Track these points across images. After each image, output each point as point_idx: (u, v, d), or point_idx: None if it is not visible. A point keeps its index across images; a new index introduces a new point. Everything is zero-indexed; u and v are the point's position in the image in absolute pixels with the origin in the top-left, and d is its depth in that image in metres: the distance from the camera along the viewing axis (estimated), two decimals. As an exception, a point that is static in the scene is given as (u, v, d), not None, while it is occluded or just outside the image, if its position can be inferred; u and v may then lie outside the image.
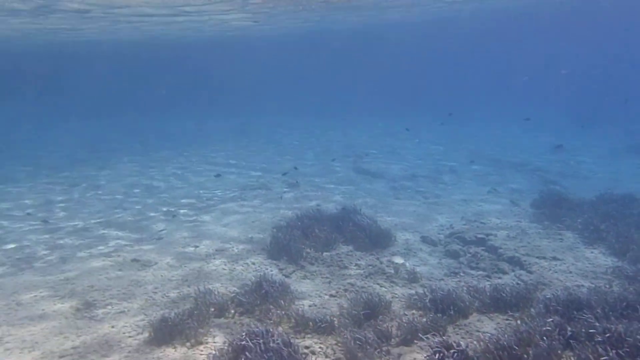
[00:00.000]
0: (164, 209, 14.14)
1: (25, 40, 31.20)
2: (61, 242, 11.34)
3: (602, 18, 46.95)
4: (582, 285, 8.24)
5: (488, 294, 7.75)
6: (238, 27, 30.54)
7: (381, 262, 9.87)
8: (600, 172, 19.72)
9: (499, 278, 9.14)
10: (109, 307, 7.81)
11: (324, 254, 10.31)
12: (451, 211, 13.47)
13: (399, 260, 9.94)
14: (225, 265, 9.55)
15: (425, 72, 78.80)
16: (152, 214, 13.66)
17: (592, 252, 9.58)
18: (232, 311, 7.69)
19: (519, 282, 8.72)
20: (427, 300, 7.68)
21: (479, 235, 10.87)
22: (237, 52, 58.21)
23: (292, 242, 10.18)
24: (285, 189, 16.39)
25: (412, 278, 9.09)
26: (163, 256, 10.07)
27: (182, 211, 13.91)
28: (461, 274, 9.44)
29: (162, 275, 9.03)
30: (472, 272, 9.49)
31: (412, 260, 10.24)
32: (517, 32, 55.27)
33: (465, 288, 8.19)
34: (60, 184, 17.79)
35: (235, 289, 8.50)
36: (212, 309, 7.64)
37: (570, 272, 8.81)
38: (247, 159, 22.84)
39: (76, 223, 12.93)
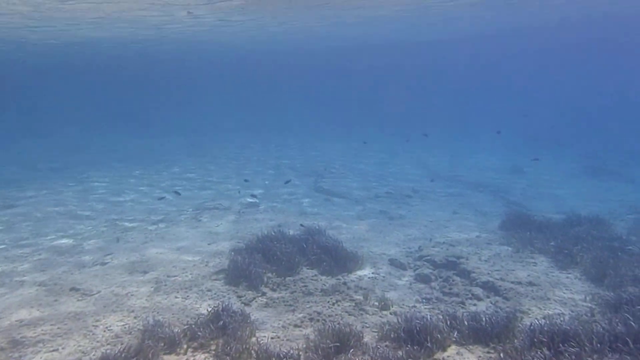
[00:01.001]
0: (112, 233, 12.98)
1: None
2: (-10, 266, 10.07)
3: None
4: (563, 314, 7.81)
5: (466, 323, 7.18)
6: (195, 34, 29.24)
7: (348, 288, 9.18)
8: (561, 193, 19.89)
9: (474, 305, 8.62)
10: (40, 344, 6.73)
11: (287, 278, 9.53)
12: (418, 232, 12.99)
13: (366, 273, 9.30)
14: (177, 293, 8.60)
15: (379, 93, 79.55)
16: (93, 238, 12.49)
17: (567, 277, 9.23)
18: (185, 346, 6.79)
19: (496, 309, 8.22)
20: (401, 331, 7.03)
21: (450, 259, 10.37)
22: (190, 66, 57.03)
23: (253, 266, 9.35)
24: (244, 209, 15.52)
25: (383, 305, 8.43)
26: (106, 284, 9.00)
27: (130, 234, 12.80)
28: (434, 300, 8.87)
29: (104, 306, 7.99)
30: (445, 298, 8.94)
31: (381, 284, 9.61)
32: (483, 56, 56.86)
33: (440, 316, 7.60)
34: (-5, 202, 16.26)
35: (189, 319, 7.60)
36: (162, 344, 6.72)
37: (549, 299, 8.38)
38: (202, 177, 21.80)
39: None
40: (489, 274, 9.41)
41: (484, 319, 7.15)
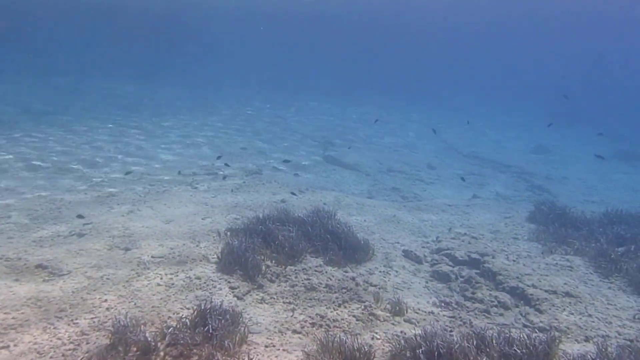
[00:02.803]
0: (93, 194, 11.79)
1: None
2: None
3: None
4: (608, 336, 6.64)
5: (496, 345, 6.02)
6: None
7: (357, 284, 8.02)
8: (589, 178, 18.52)
9: (500, 315, 7.48)
10: (-12, 340, 5.62)
11: (288, 268, 8.37)
12: (436, 218, 11.77)
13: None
14: (160, 279, 7.45)
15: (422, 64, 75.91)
16: (71, 199, 11.30)
17: (610, 288, 8.03)
18: (162, 354, 5.67)
19: (527, 323, 7.07)
20: (420, 352, 5.88)
21: (473, 255, 9.17)
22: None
23: (250, 252, 8.17)
24: (245, 178, 14.28)
25: (397, 310, 7.29)
26: (79, 262, 7.85)
27: (115, 199, 11.60)
28: (454, 305, 7.73)
29: (72, 292, 6.86)
30: (467, 303, 7.78)
31: (394, 281, 8.46)
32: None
33: (465, 334, 6.45)
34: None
35: (170, 315, 6.48)
36: (135, 349, 5.61)
37: (590, 316, 7.21)
38: (208, 137, 20.46)
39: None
40: (518, 278, 8.21)
41: (518, 342, 5.99)
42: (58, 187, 12.09)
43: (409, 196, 14.43)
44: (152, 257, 8.18)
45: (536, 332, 6.54)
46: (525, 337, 6.10)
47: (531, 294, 7.77)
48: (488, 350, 5.97)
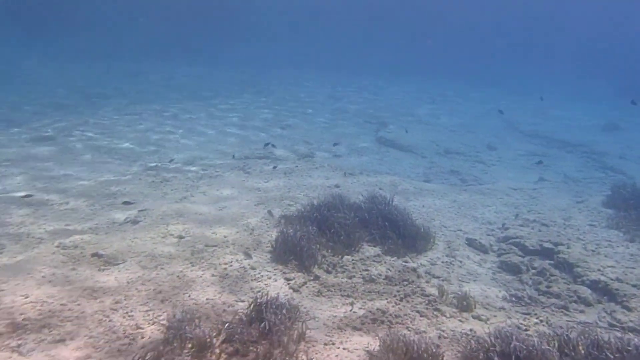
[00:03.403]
0: (148, 179, 11.76)
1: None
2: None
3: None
4: None
5: (582, 350, 5.38)
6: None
7: (419, 277, 7.51)
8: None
9: (582, 312, 6.78)
10: (45, 331, 5.54)
11: (345, 257, 7.97)
12: (500, 203, 11.00)
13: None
14: (214, 269, 7.22)
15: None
16: (125, 185, 11.30)
17: None
18: (218, 350, 5.41)
19: (615, 322, 6.35)
20: (495, 354, 5.34)
21: (545, 244, 8.43)
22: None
23: (305, 241, 7.81)
24: (298, 162, 13.93)
25: (464, 305, 6.74)
26: (134, 250, 7.74)
27: (170, 184, 11.53)
28: (526, 299, 7.08)
29: (127, 282, 6.73)
30: (542, 299, 7.12)
31: (458, 272, 7.89)
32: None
33: (545, 333, 5.83)
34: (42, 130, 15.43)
35: (225, 308, 6.22)
36: (190, 346, 5.37)
37: (688, 315, 6.40)
38: (262, 120, 20.26)
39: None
40: (599, 270, 7.43)
41: (607, 345, 5.33)
42: (113, 172, 12.16)
43: (468, 179, 13.65)
44: (205, 245, 7.97)
45: (628, 334, 5.84)
46: (617, 340, 5.42)
47: (616, 289, 7.00)
48: (573, 354, 5.34)
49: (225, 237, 8.29)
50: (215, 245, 7.96)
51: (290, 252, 7.68)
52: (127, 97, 23.31)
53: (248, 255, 7.69)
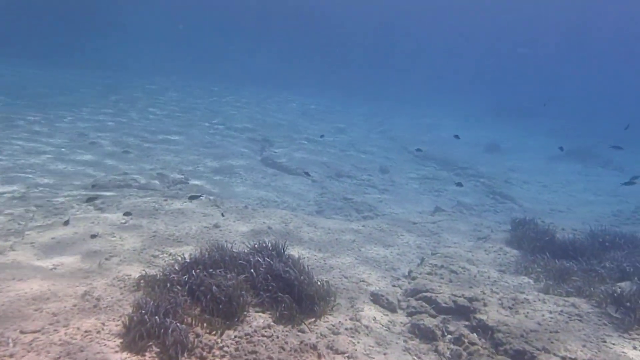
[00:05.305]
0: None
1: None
2: None
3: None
4: None
5: None
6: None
7: (320, 356, 5.93)
8: (549, 182, 17.46)
9: (512, 396, 5.66)
10: None
11: (226, 333, 6.12)
12: (401, 242, 9.89)
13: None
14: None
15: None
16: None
17: (635, 348, 6.42)
18: None
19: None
20: None
21: (459, 300, 7.33)
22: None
23: (171, 317, 5.84)
24: (165, 191, 11.71)
25: (377, 399, 5.28)
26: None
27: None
28: (448, 381, 5.83)
29: None
30: (466, 379, 5.91)
31: (365, 342, 6.47)
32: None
33: None
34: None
35: None
36: None
37: (626, 395, 5.54)
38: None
39: None
40: (522, 336, 6.43)
41: None
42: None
43: (363, 209, 12.52)
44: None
45: None
46: None
47: (544, 361, 6.01)
48: None
49: (54, 314, 5.99)
50: (37, 332, 5.65)
51: (150, 336, 5.65)
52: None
53: (83, 344, 5.51)
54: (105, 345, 5.56)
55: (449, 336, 6.75)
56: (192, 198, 10.22)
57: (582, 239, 9.54)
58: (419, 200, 13.53)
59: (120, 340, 5.67)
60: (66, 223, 9.06)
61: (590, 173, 19.28)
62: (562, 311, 7.09)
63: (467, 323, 6.98)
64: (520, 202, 14.01)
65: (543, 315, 6.94)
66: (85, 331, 5.73)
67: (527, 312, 6.97)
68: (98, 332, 5.78)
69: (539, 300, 7.38)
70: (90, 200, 10.17)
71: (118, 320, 6.00)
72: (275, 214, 10.65)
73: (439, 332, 6.79)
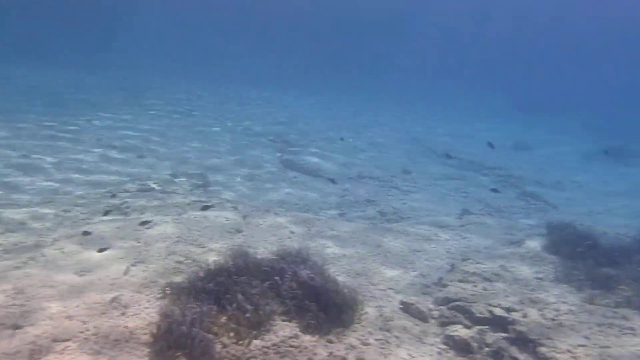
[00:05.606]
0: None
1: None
2: None
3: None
4: None
5: None
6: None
7: (352, 369, 5.73)
8: (584, 181, 16.76)
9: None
10: None
11: (253, 343, 5.95)
12: (430, 248, 9.61)
13: None
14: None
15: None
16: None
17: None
18: None
19: None
20: None
21: (496, 311, 7.04)
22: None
23: (197, 326, 5.70)
24: (190, 197, 11.63)
25: (413, 417, 5.05)
26: None
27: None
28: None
29: None
30: (505, 395, 5.63)
31: (396, 352, 6.23)
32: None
33: None
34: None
35: None
36: None
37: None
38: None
39: None
40: (569, 351, 6.12)
41: None
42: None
43: (387, 212, 12.28)
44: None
45: None
46: None
47: (593, 379, 5.71)
48: None
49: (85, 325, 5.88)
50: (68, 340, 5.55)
51: (177, 347, 5.52)
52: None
53: (113, 353, 5.40)
54: (134, 354, 5.46)
55: (487, 349, 6.47)
56: (205, 208, 10.10)
57: (629, 243, 9.09)
58: (444, 203, 13.22)
59: (149, 350, 5.56)
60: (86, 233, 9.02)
61: (628, 173, 18.56)
62: (611, 323, 6.74)
63: (505, 335, 6.68)
64: (553, 203, 13.56)
65: (590, 328, 6.60)
66: (115, 340, 5.64)
67: (573, 325, 6.65)
68: (127, 341, 5.67)
69: (585, 311, 7.04)
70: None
71: (145, 329, 5.88)
72: (296, 217, 10.48)
73: (475, 345, 6.52)
